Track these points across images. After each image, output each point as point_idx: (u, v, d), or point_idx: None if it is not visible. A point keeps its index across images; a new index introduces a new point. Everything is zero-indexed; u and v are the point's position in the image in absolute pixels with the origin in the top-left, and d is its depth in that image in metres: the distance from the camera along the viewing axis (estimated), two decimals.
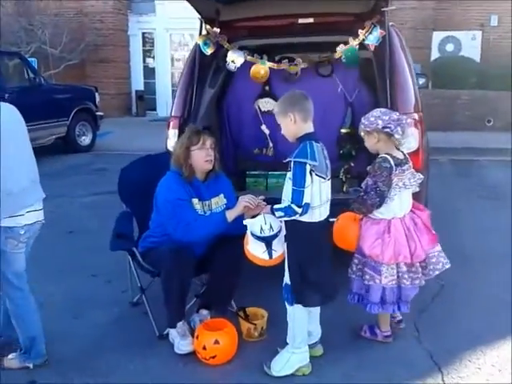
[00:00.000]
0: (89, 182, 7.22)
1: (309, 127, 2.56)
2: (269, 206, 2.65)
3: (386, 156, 2.70)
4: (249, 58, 3.77)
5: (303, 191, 2.42)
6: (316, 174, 2.47)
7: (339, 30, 3.69)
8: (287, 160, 2.51)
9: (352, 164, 3.87)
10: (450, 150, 7.81)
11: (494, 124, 9.87)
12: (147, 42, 14.56)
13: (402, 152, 2.80)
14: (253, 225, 2.63)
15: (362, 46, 3.61)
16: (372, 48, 3.51)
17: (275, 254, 2.61)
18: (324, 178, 2.53)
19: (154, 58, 14.52)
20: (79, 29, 13.09)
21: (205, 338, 2.80)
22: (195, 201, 2.95)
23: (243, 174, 4.20)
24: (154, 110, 14.60)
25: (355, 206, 2.81)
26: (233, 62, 3.77)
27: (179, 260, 2.80)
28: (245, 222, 2.65)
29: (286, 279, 2.65)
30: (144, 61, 14.65)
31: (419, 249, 2.73)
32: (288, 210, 2.47)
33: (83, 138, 9.59)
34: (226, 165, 4.27)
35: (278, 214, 2.53)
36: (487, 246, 4.45)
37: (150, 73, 14.73)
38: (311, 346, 2.77)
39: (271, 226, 2.59)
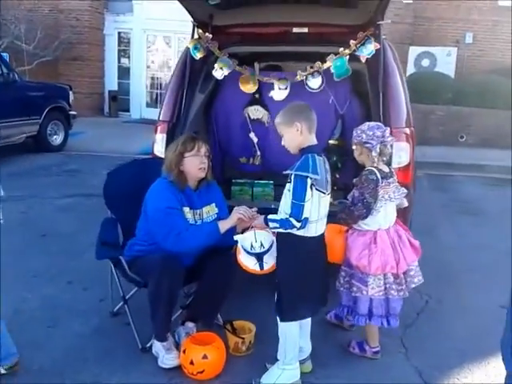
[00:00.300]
0: (61, 184, 7.00)
1: (313, 139, 2.51)
2: (262, 217, 2.58)
3: (373, 169, 2.76)
4: (237, 68, 3.69)
5: (303, 205, 2.36)
6: (316, 189, 2.41)
7: (333, 41, 3.66)
8: (287, 172, 2.43)
9: (337, 176, 3.83)
10: (426, 164, 7.90)
11: (466, 140, 10.08)
12: (123, 41, 14.32)
13: (388, 166, 2.87)
14: (243, 240, 2.59)
15: (355, 58, 3.59)
16: (363, 60, 3.49)
17: (266, 266, 2.59)
18: (324, 193, 2.47)
19: (129, 58, 14.29)
20: (54, 25, 12.78)
21: (193, 352, 2.70)
22: (186, 209, 2.86)
23: (229, 182, 4.11)
24: (128, 111, 14.36)
25: (342, 216, 2.83)
26: (221, 69, 3.69)
27: (169, 271, 2.70)
28: (235, 238, 2.61)
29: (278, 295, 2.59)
30: (119, 61, 14.40)
31: (402, 260, 2.77)
32: (285, 223, 2.41)
33: (55, 137, 9.31)
34: (212, 172, 4.22)
35: (272, 224, 2.48)
36: (469, 262, 4.49)
37: (124, 73, 14.48)
38: (301, 362, 2.71)
39: (262, 244, 2.55)
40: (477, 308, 3.59)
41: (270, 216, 2.50)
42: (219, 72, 3.68)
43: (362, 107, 3.91)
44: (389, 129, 2.85)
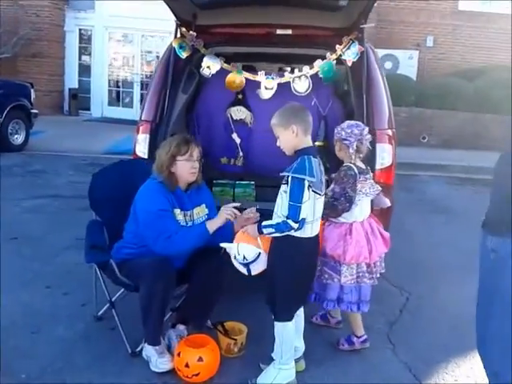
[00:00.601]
0: (27, 185, 6.78)
1: (308, 141, 2.53)
2: (254, 226, 2.56)
3: (350, 165, 2.89)
4: (225, 65, 3.67)
5: (300, 207, 2.37)
6: (313, 190, 2.43)
7: (317, 43, 3.70)
8: (283, 174, 2.44)
9: (327, 177, 3.86)
10: None
11: (428, 141, 10.37)
12: (84, 38, 14.00)
13: (365, 164, 2.99)
14: (229, 249, 2.64)
15: (338, 61, 3.64)
16: (350, 63, 3.54)
17: (254, 272, 2.62)
18: (319, 194, 2.50)
19: (90, 55, 13.98)
20: (13, 21, 12.35)
21: (188, 355, 2.67)
22: (177, 211, 2.82)
23: (210, 183, 4.08)
24: (88, 109, 14.06)
25: (325, 212, 2.84)
26: (208, 67, 3.66)
27: (161, 274, 2.66)
28: (221, 245, 2.64)
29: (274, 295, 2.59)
30: (79, 58, 14.07)
31: (375, 251, 2.89)
32: (282, 226, 2.42)
33: (16, 136, 9.01)
34: None
35: (267, 230, 2.48)
36: (443, 259, 4.64)
37: (85, 71, 14.16)
38: (295, 361, 2.73)
39: (244, 257, 2.57)
40: (454, 302, 3.69)
41: (265, 223, 2.50)
42: (207, 70, 3.65)
43: (344, 108, 3.96)
44: (367, 128, 2.96)
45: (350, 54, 3.52)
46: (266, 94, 3.70)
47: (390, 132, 3.52)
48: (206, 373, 2.67)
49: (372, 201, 3.10)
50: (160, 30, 13.35)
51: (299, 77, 3.67)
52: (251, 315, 3.13)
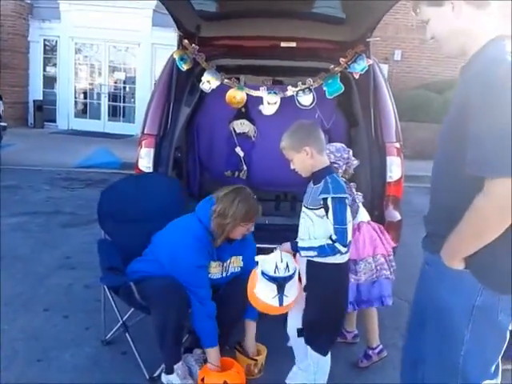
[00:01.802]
0: (3, 201, 6.43)
1: (325, 160, 2.39)
2: (288, 244, 2.37)
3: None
4: (226, 81, 3.60)
5: (346, 229, 2.22)
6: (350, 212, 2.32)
7: (321, 56, 3.68)
8: (321, 197, 2.24)
9: None
10: None
11: (403, 152, 10.54)
12: (48, 49, 13.63)
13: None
14: (266, 262, 2.31)
15: (342, 74, 3.63)
16: (357, 76, 3.54)
17: (286, 301, 2.32)
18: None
19: (55, 66, 13.61)
20: None
21: (212, 379, 2.57)
22: (214, 264, 2.70)
23: None
24: (54, 121, 13.65)
25: None
26: (208, 82, 3.58)
27: (174, 300, 2.56)
28: (257, 258, 2.35)
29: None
30: (44, 69, 13.68)
31: (387, 243, 2.94)
32: (327, 250, 2.23)
33: None
34: (190, 187, 4.08)
35: (306, 253, 2.29)
36: None
37: (49, 82, 13.78)
38: None
39: (287, 266, 2.29)
40: None
41: (303, 243, 2.31)
42: (207, 85, 3.56)
43: (346, 122, 3.96)
44: (351, 150, 2.96)
45: (357, 67, 3.52)
46: (268, 109, 3.63)
47: (397, 145, 3.54)
48: None
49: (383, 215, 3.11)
50: (127, 41, 13.20)
51: (303, 90, 3.64)
52: (267, 335, 3.04)
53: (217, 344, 2.62)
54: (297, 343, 2.58)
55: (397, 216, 3.46)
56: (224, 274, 2.76)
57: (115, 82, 13.97)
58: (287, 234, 3.03)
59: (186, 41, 3.58)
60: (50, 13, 12.89)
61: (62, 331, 3.23)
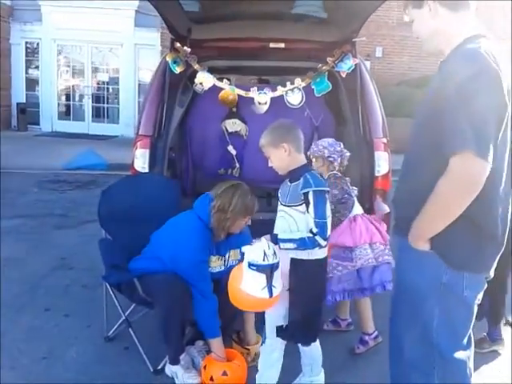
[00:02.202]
0: None
1: (302, 159, 2.38)
2: (267, 236, 2.34)
3: (334, 172, 3.10)
4: (218, 82, 3.70)
5: (326, 222, 2.25)
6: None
7: (311, 56, 3.79)
8: (303, 191, 2.24)
9: None
10: None
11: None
12: (30, 52, 13.56)
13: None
14: (253, 251, 2.25)
15: (329, 72, 3.75)
16: (344, 75, 3.66)
17: (275, 292, 2.27)
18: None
19: (38, 68, 13.55)
20: None
21: (213, 368, 2.68)
22: (214, 258, 2.80)
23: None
24: (38, 124, 13.62)
25: (337, 215, 2.98)
26: (201, 84, 3.68)
27: (175, 293, 2.64)
28: (243, 249, 2.31)
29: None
30: (26, 72, 13.61)
31: (384, 233, 3.06)
32: (307, 242, 2.23)
33: None
34: (183, 186, 4.17)
35: (286, 245, 2.28)
36: None
37: (32, 84, 13.72)
38: None
39: (275, 252, 2.25)
40: None
41: (283, 235, 2.31)
42: (199, 87, 3.66)
43: (335, 119, 4.08)
44: (342, 143, 3.12)
45: (344, 66, 3.65)
46: (259, 109, 3.75)
47: (384, 140, 3.67)
48: None
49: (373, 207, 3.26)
50: (109, 42, 13.19)
51: (292, 89, 3.76)
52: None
53: (219, 335, 2.72)
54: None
55: (385, 208, 3.59)
56: (224, 268, 2.85)
57: (98, 83, 13.95)
58: (262, 230, 3.16)
59: (178, 44, 3.67)
60: (31, 15, 12.83)
61: (63, 330, 3.30)
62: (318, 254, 2.33)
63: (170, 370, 2.79)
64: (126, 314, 3.09)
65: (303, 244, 2.25)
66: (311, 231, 2.24)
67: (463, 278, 1.78)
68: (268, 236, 2.39)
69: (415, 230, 1.79)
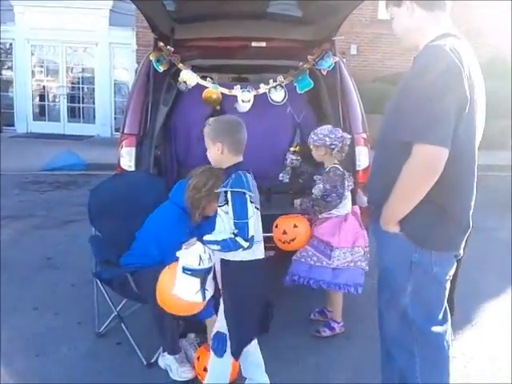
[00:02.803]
0: None
1: (237, 159, 2.32)
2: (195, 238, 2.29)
3: (337, 165, 3.18)
4: (201, 81, 3.77)
5: (247, 222, 2.16)
6: (255, 207, 2.25)
7: (291, 55, 3.89)
8: (220, 190, 2.25)
9: (301, 180, 4.06)
10: None
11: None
12: (3, 52, 13.35)
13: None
14: (188, 256, 2.21)
15: (310, 70, 3.86)
16: (325, 73, 3.77)
17: (208, 295, 2.27)
18: (258, 209, 2.31)
19: (11, 69, 13.35)
20: None
21: (206, 359, 2.72)
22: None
23: None
24: (12, 125, 13.41)
25: (317, 209, 3.17)
26: (185, 82, 3.75)
27: None
28: (178, 254, 2.26)
29: (220, 327, 2.38)
30: (0, 72, 13.39)
31: (366, 237, 3.20)
32: (229, 243, 2.16)
33: None
34: (168, 183, 4.21)
35: (211, 246, 2.22)
36: None
37: (6, 86, 13.51)
38: None
39: (210, 256, 2.22)
40: None
41: (207, 237, 2.26)
42: (183, 85, 3.73)
43: (316, 115, 4.19)
44: (339, 129, 3.27)
45: (325, 64, 3.76)
46: (243, 106, 3.83)
47: (364, 135, 3.79)
48: None
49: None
50: (84, 41, 13.07)
51: (275, 87, 3.85)
52: None
53: (213, 313, 2.70)
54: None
55: (366, 201, 3.71)
56: None
57: (73, 83, 13.82)
58: (264, 224, 3.25)
59: (161, 43, 3.72)
60: (4, 15, 12.61)
61: (55, 328, 3.33)
62: (244, 255, 2.24)
63: (163, 362, 2.85)
64: (118, 310, 3.15)
65: (226, 245, 2.18)
66: (233, 232, 2.18)
67: (431, 256, 1.94)
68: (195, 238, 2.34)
69: (385, 213, 1.95)
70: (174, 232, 2.74)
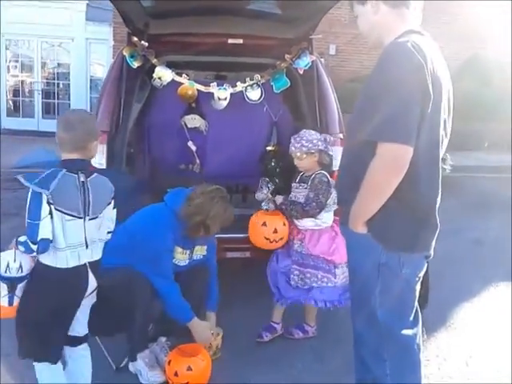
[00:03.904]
0: None
1: (69, 156, 2.19)
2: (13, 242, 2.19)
3: (324, 172, 3.04)
4: (177, 77, 3.68)
5: (38, 224, 2.04)
6: (56, 209, 2.08)
7: (268, 53, 3.84)
8: (21, 181, 2.12)
9: (277, 180, 4.02)
10: None
11: None
12: None
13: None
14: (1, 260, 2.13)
15: (287, 69, 3.81)
16: (301, 72, 3.73)
17: (16, 302, 2.17)
18: (72, 216, 2.14)
19: None
20: None
21: (177, 363, 2.68)
22: (178, 249, 2.79)
23: (161, 192, 4.06)
24: None
25: (293, 214, 3.02)
26: (159, 79, 3.66)
27: (138, 288, 2.65)
28: None
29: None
30: None
31: None
32: (26, 245, 2.09)
33: None
34: (142, 182, 4.13)
35: (20, 248, 2.13)
36: None
37: None
38: None
39: (21, 266, 2.13)
40: None
41: (21, 237, 2.14)
42: (158, 81, 3.64)
43: (293, 115, 4.14)
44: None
45: (301, 63, 3.72)
46: (219, 104, 3.76)
47: (341, 135, 3.73)
48: (194, 383, 2.66)
49: None
50: (60, 36, 12.84)
51: (251, 85, 3.80)
52: (229, 317, 3.17)
53: (194, 315, 2.73)
54: None
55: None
56: (187, 262, 2.87)
57: (48, 79, 13.55)
58: (240, 223, 3.20)
59: (135, 38, 3.63)
60: None
61: None
62: (49, 260, 2.15)
63: (133, 367, 2.78)
64: None
65: (25, 247, 2.10)
66: None
67: (399, 258, 1.90)
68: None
69: (352, 214, 1.92)
70: (165, 236, 2.70)
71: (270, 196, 3.28)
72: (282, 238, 3.07)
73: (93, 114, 2.31)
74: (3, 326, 3.13)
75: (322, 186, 2.98)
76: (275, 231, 3.05)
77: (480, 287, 4.13)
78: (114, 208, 2.39)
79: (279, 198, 3.20)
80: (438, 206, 1.93)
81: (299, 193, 3.08)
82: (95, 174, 2.27)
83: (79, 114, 2.30)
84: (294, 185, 3.16)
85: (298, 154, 3.03)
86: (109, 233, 2.42)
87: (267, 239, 3.06)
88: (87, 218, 2.19)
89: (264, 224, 3.08)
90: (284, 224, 3.07)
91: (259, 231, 3.10)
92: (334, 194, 2.98)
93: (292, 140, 3.07)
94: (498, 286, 4.15)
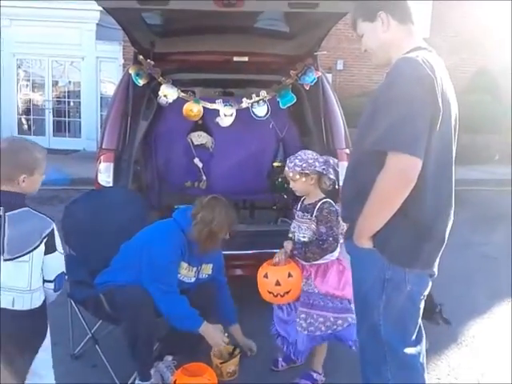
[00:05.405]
0: None
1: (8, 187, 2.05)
2: None
3: (330, 200, 2.70)
4: (182, 95, 3.71)
5: None
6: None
7: (274, 69, 3.86)
8: None
9: (285, 196, 4.02)
10: None
11: None
12: None
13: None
14: None
15: (294, 86, 3.83)
16: (307, 87, 3.74)
17: None
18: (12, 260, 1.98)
19: None
20: None
21: (184, 382, 2.64)
22: (184, 265, 2.78)
23: (168, 209, 4.07)
24: None
25: (311, 256, 2.66)
26: (165, 96, 3.69)
27: (145, 305, 2.63)
28: None
29: None
30: None
31: None
32: None
33: None
34: (149, 199, 4.15)
35: None
36: None
37: None
38: None
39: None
40: None
41: None
42: (163, 99, 3.67)
43: (299, 130, 4.15)
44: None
45: (308, 79, 3.73)
46: (225, 121, 3.78)
47: (347, 150, 3.73)
48: None
49: None
50: (70, 55, 13.02)
51: (257, 101, 3.81)
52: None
53: (203, 320, 2.68)
54: None
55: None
56: (193, 280, 2.85)
57: (59, 97, 13.72)
58: (248, 239, 3.19)
59: (141, 56, 3.67)
60: None
61: None
62: None
63: None
64: (93, 331, 3.03)
65: None
66: None
67: (405, 274, 1.87)
68: None
69: (358, 228, 1.89)
70: (168, 248, 2.71)
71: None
72: (288, 292, 2.66)
73: (34, 146, 2.11)
74: None
75: (333, 217, 2.61)
76: (277, 283, 2.64)
77: (491, 303, 4.06)
78: (51, 253, 2.12)
79: (288, 245, 2.76)
80: (449, 222, 1.90)
81: (303, 223, 2.71)
82: (25, 209, 2.04)
83: (13, 145, 2.09)
84: (297, 213, 2.80)
85: (291, 175, 2.68)
86: (47, 282, 2.16)
87: (270, 293, 2.70)
88: (1, 257, 1.96)
89: (265, 276, 2.71)
90: (290, 275, 2.64)
91: (262, 284, 2.74)
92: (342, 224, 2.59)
93: (287, 160, 2.78)
94: (509, 302, 4.09)
